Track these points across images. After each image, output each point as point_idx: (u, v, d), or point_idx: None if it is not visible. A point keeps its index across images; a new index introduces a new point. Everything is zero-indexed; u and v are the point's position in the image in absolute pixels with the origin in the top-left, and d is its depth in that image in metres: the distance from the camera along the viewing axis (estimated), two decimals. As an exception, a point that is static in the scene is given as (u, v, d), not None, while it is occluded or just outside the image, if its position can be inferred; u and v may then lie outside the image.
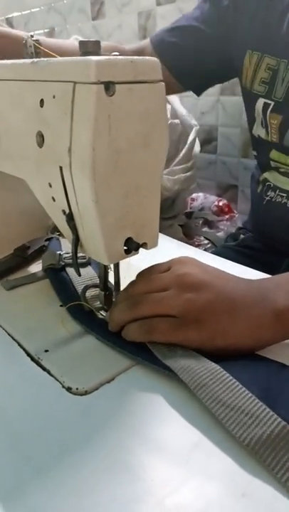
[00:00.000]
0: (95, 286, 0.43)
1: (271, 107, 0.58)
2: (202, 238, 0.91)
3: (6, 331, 0.41)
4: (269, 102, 0.59)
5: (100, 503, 0.25)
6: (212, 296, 0.35)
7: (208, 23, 0.64)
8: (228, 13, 0.61)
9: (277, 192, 0.63)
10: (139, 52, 0.68)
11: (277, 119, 0.58)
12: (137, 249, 0.35)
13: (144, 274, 0.39)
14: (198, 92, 0.71)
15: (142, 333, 0.35)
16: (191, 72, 0.67)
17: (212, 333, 0.34)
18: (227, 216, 0.97)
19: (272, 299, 0.34)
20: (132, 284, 0.39)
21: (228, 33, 0.62)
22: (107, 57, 0.30)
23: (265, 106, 0.59)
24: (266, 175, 0.66)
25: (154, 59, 0.32)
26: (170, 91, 0.67)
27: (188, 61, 0.66)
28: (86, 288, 0.42)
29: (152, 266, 0.40)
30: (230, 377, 0.31)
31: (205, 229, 0.93)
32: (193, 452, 0.28)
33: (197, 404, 0.31)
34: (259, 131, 0.63)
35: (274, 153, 0.63)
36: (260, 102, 0.60)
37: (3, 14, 1.68)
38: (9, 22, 1.67)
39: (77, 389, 0.33)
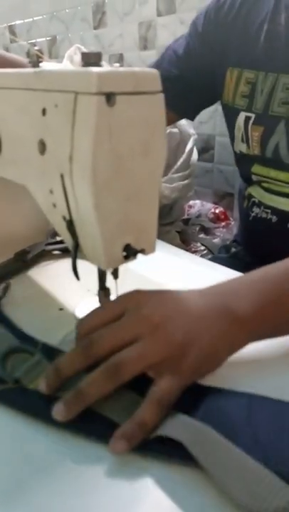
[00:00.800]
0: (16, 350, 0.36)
1: (252, 119, 0.59)
2: (199, 244, 0.92)
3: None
4: (250, 115, 0.60)
5: (100, 503, 0.26)
6: (184, 326, 0.33)
7: (191, 55, 0.66)
8: (209, 36, 0.64)
9: (262, 208, 0.64)
10: None
11: (259, 131, 0.59)
12: (135, 255, 0.36)
13: (96, 322, 0.34)
14: (192, 117, 0.75)
15: (164, 410, 0.30)
16: (184, 102, 0.70)
17: (203, 358, 0.32)
18: (223, 223, 0.98)
19: (233, 308, 0.34)
20: (91, 341, 0.32)
21: (210, 55, 0.64)
22: (108, 68, 0.31)
23: (247, 119, 0.60)
24: (250, 190, 0.67)
25: (154, 71, 0.34)
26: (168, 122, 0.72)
27: (181, 92, 0.68)
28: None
29: (102, 311, 0.35)
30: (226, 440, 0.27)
31: (201, 235, 0.94)
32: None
33: (192, 407, 0.32)
34: (240, 146, 0.64)
35: (256, 167, 0.63)
36: (242, 116, 0.61)
37: (5, 22, 1.71)
38: (12, 29, 1.69)
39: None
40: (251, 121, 0.60)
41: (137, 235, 0.36)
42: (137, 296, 0.35)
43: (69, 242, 0.38)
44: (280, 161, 0.58)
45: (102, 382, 0.30)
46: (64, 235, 0.38)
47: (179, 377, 0.31)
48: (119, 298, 0.36)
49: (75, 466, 0.28)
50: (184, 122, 0.95)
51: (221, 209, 1.01)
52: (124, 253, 0.36)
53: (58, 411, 0.29)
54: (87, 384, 0.30)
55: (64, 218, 0.36)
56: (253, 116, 0.59)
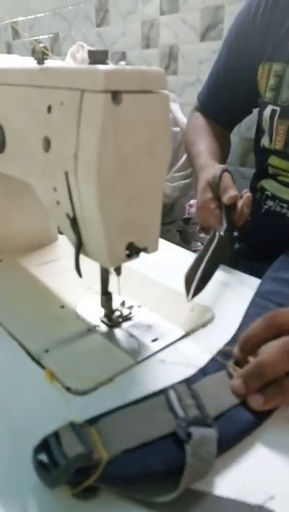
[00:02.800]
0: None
1: (278, 113, 0.60)
2: (199, 244, 0.92)
3: (7, 331, 0.41)
4: (276, 108, 0.60)
5: (99, 505, 0.26)
6: None
7: (231, 66, 0.69)
8: (248, 31, 0.65)
9: (276, 202, 0.64)
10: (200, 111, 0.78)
11: (285, 125, 0.59)
12: (138, 254, 0.36)
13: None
14: (231, 125, 0.78)
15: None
16: (231, 116, 0.75)
17: None
18: (224, 223, 0.98)
19: None
20: (279, 315, 0.34)
21: (247, 51, 0.66)
22: (115, 66, 0.31)
23: (273, 113, 0.61)
24: (263, 183, 0.67)
25: (160, 69, 0.34)
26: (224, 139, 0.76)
27: (227, 109, 0.74)
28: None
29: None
30: None
31: (202, 235, 0.94)
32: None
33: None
34: (264, 140, 0.65)
35: (273, 159, 0.63)
36: (268, 109, 0.62)
37: (8, 18, 1.70)
38: (14, 26, 1.69)
39: (76, 389, 0.34)
40: (277, 115, 0.60)
41: (140, 235, 0.36)
42: None
43: (72, 240, 0.38)
44: None
45: (281, 362, 0.30)
46: (67, 233, 0.38)
47: None
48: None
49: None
50: (185, 121, 0.95)
51: (222, 209, 1.00)
52: (128, 251, 0.36)
53: (236, 386, 0.31)
54: (266, 359, 0.31)
55: (68, 216, 0.36)
56: (278, 109, 0.60)
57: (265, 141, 0.65)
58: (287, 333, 0.32)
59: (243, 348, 0.34)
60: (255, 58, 0.64)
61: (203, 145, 0.68)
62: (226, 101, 0.73)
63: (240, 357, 0.34)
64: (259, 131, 0.68)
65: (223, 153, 0.70)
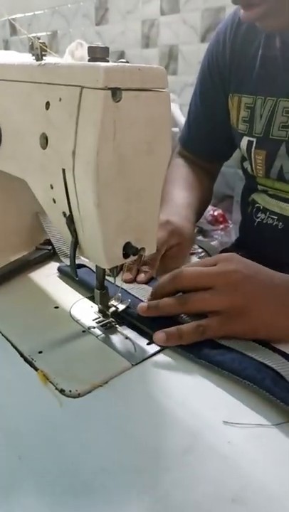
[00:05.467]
0: None
1: (254, 144, 0.60)
2: (196, 247, 0.91)
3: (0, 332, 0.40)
4: (251, 139, 0.61)
5: (94, 504, 0.25)
6: (256, 293, 0.38)
7: (206, 100, 0.70)
8: (212, 68, 0.66)
9: (267, 214, 0.64)
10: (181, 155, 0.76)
11: (262, 155, 0.60)
12: (135, 254, 0.36)
13: (192, 266, 0.42)
14: (222, 159, 0.78)
15: (197, 334, 0.37)
16: (218, 149, 0.73)
17: (255, 326, 0.37)
18: (222, 226, 0.97)
19: None
20: (180, 274, 0.41)
21: (215, 85, 0.66)
22: (115, 63, 0.30)
23: (249, 144, 0.61)
24: (254, 196, 0.67)
25: (161, 68, 0.33)
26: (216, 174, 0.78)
27: (210, 143, 0.72)
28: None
29: (200, 261, 0.43)
30: None
31: (199, 238, 0.94)
32: (185, 457, 0.28)
33: (190, 409, 0.32)
34: (247, 165, 0.65)
35: (261, 179, 0.64)
36: (244, 141, 0.62)
37: (6, 15, 1.69)
38: (12, 22, 1.68)
39: (70, 391, 0.33)
40: (254, 146, 0.61)
41: (137, 234, 0.36)
42: (229, 257, 0.41)
43: (68, 239, 0.37)
44: (285, 181, 0.59)
45: (175, 306, 0.39)
46: (63, 232, 0.38)
47: (226, 328, 0.38)
48: (217, 256, 0.42)
49: (69, 467, 0.27)
50: (183, 121, 0.95)
51: (220, 211, 1.00)
52: (124, 251, 0.35)
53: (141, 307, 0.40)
54: (163, 301, 0.40)
55: (64, 214, 0.36)
56: (254, 140, 0.60)
57: (247, 167, 0.65)
58: (187, 288, 0.40)
59: (152, 298, 0.42)
60: (225, 88, 0.65)
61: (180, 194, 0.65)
62: (208, 133, 0.71)
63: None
64: (241, 155, 0.68)
65: (201, 205, 0.69)
